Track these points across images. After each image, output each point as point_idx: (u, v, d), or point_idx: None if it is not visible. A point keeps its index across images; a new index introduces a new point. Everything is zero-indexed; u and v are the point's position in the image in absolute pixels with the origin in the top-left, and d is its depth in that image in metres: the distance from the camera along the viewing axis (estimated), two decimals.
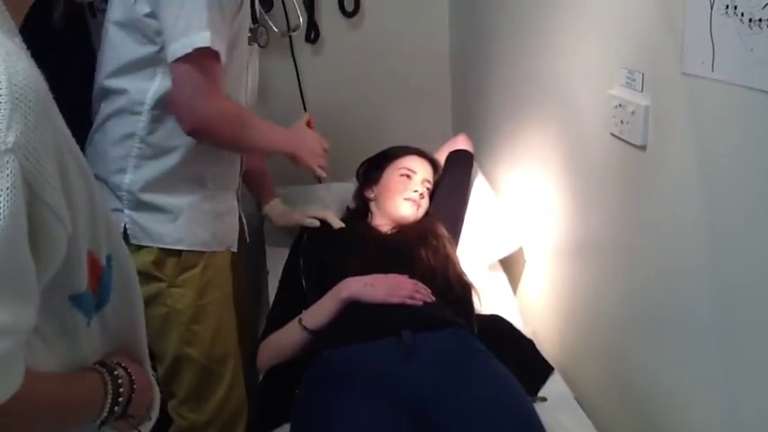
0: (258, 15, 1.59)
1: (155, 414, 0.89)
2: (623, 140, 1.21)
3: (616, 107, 1.20)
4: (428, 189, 1.72)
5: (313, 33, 2.04)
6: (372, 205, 1.73)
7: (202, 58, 1.23)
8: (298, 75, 2.07)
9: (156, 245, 1.38)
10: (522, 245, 1.76)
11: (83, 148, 0.93)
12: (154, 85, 1.32)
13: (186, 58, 1.22)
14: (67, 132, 0.68)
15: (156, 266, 1.38)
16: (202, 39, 1.21)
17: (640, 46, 1.14)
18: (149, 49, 1.31)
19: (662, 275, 1.16)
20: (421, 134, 1.87)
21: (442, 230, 1.65)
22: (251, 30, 1.48)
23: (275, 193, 1.82)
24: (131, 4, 1.29)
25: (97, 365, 0.77)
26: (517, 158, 1.77)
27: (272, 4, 1.93)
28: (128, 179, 1.36)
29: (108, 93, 1.37)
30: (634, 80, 1.16)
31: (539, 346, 1.55)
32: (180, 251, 1.40)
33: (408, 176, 1.70)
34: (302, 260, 1.60)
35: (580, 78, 1.37)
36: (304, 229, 1.71)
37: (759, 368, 0.96)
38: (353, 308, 1.41)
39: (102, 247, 0.75)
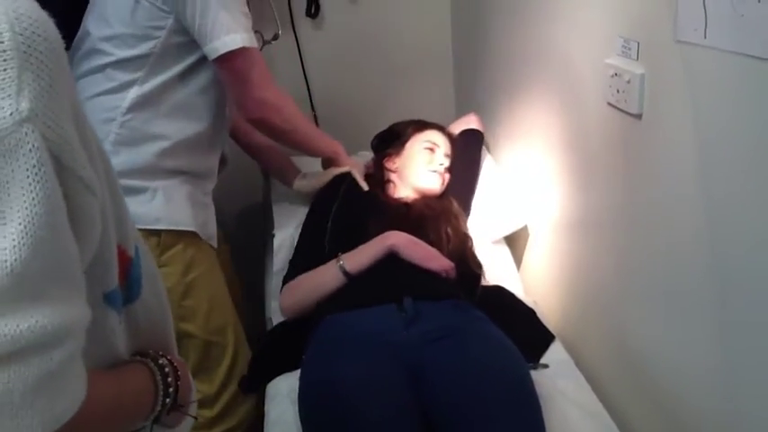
0: None
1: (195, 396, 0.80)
2: (620, 110, 1.21)
3: (612, 76, 1.21)
4: (449, 163, 1.74)
5: (313, 8, 2.04)
6: (394, 176, 1.74)
7: (248, 51, 1.35)
8: (299, 51, 2.08)
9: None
10: (527, 222, 1.77)
11: None
12: (144, 73, 1.35)
13: (233, 54, 1.32)
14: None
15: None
16: (243, 39, 1.32)
17: (635, 14, 1.15)
18: (153, 34, 1.33)
19: (660, 244, 1.18)
20: (423, 111, 1.87)
21: (459, 209, 1.67)
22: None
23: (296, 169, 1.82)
24: None
25: (138, 357, 0.69)
26: (519, 133, 1.78)
27: None
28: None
29: (95, 53, 1.36)
30: (629, 49, 1.16)
31: (540, 316, 1.58)
32: (159, 231, 1.40)
33: (432, 149, 1.71)
34: (331, 214, 1.62)
35: (577, 47, 1.37)
36: (334, 180, 1.71)
37: (755, 331, 0.97)
38: (372, 267, 1.45)
39: (129, 235, 0.66)
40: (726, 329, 1.03)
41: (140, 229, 1.32)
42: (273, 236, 1.75)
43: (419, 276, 1.43)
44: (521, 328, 1.46)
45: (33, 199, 0.46)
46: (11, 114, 0.45)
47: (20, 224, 0.45)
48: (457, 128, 1.87)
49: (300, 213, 1.73)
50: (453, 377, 1.21)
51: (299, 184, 1.77)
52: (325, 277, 1.47)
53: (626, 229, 1.28)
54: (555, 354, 1.48)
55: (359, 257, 1.46)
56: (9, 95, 0.45)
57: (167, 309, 0.76)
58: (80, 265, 0.52)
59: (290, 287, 1.51)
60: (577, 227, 1.50)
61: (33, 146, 0.46)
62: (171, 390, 0.68)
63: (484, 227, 1.75)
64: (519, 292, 1.66)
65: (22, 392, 0.45)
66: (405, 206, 1.66)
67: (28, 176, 0.45)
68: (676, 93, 1.06)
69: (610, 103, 1.24)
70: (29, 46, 0.47)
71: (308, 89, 2.11)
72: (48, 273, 0.47)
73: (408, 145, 1.74)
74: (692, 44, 0.99)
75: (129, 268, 0.65)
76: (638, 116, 1.17)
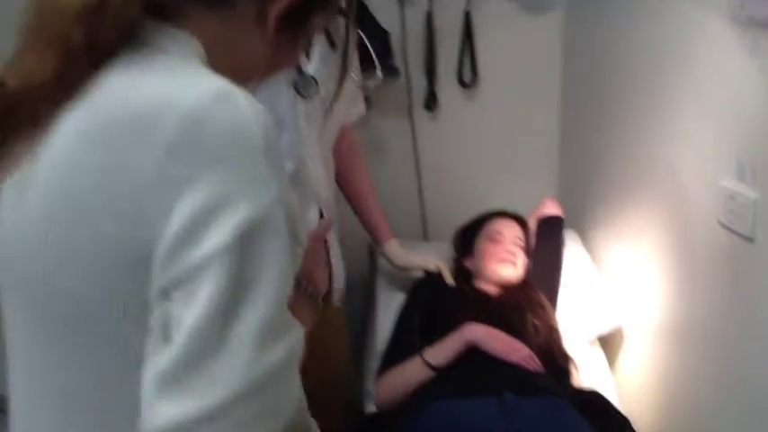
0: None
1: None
2: (731, 230, 1.23)
3: (725, 197, 1.23)
4: (521, 246, 1.78)
5: (431, 101, 2.16)
6: (474, 272, 1.80)
7: None
8: (414, 138, 2.20)
9: None
10: (622, 323, 1.77)
11: None
12: None
13: None
14: None
15: None
16: None
17: (753, 137, 1.17)
18: None
19: (764, 362, 1.16)
20: (526, 204, 1.93)
21: (545, 300, 1.70)
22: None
23: (392, 233, 1.79)
24: None
25: None
26: (621, 235, 1.80)
27: (398, 73, 2.07)
28: None
29: None
30: (745, 172, 1.19)
31: (634, 425, 1.55)
32: None
33: (496, 240, 1.77)
34: (419, 306, 1.68)
35: (690, 164, 1.40)
36: (426, 276, 1.77)
37: None
38: (469, 354, 1.48)
39: None
40: None
41: None
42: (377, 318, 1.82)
43: (514, 369, 1.46)
44: None
45: (283, 261, 0.57)
46: (272, 199, 0.57)
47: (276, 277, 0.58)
48: (534, 216, 1.91)
49: (401, 297, 1.80)
50: None
51: (390, 252, 1.78)
52: (413, 371, 1.52)
53: (729, 344, 1.27)
54: None
55: (441, 352, 1.51)
56: (265, 183, 0.57)
57: None
58: None
59: (382, 382, 1.57)
60: (677, 335, 1.49)
61: (283, 222, 0.58)
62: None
63: (576, 325, 1.76)
64: (613, 398, 1.65)
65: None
66: (489, 299, 1.70)
67: (281, 246, 0.57)
68: None
69: (720, 222, 1.26)
70: (268, 138, 0.58)
71: (419, 175, 2.21)
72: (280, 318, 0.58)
73: (477, 242, 1.81)
74: None
75: None
76: (750, 239, 1.18)
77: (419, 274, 1.80)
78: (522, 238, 1.80)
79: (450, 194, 2.17)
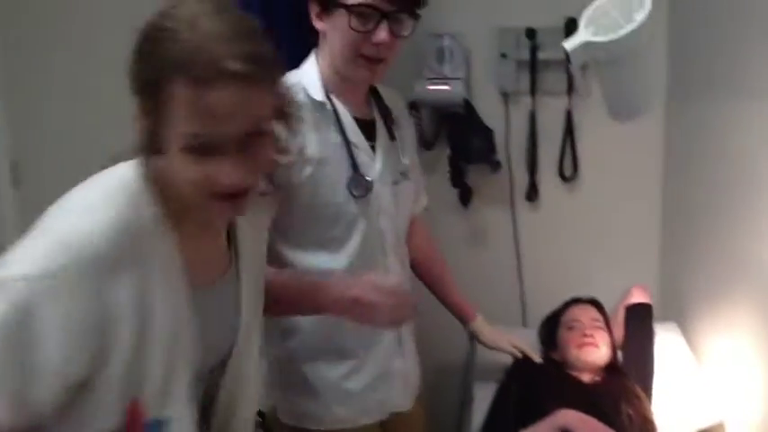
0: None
1: None
2: None
3: None
4: (599, 327, 1.82)
5: (532, 193, 2.27)
6: (563, 363, 1.84)
7: None
8: (515, 227, 2.30)
9: (292, 423, 1.44)
10: (724, 418, 1.75)
11: None
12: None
13: None
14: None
15: None
16: None
17: None
18: None
19: None
20: (624, 291, 1.97)
21: (640, 391, 1.71)
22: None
23: (475, 309, 1.82)
24: None
25: None
26: (723, 328, 1.79)
27: (500, 167, 2.20)
28: (275, 352, 1.44)
29: None
30: None
31: None
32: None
33: (574, 327, 1.83)
34: (514, 392, 1.74)
35: None
36: (520, 361, 1.82)
37: None
38: None
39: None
40: None
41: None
42: (472, 400, 1.88)
43: None
44: None
45: None
46: None
47: None
48: (622, 306, 1.93)
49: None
50: None
51: (478, 330, 1.79)
52: None
53: None
54: None
55: None
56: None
57: None
58: None
59: None
60: None
61: None
62: None
63: (674, 418, 1.74)
64: None
65: None
66: (582, 386, 1.74)
67: None
68: None
69: None
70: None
71: (519, 263, 2.30)
72: None
73: (558, 334, 1.86)
74: None
75: None
76: None
77: (508, 354, 1.84)
78: (600, 318, 1.85)
79: (550, 282, 2.23)
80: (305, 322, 1.42)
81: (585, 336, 1.80)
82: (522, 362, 1.84)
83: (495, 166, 2.19)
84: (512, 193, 2.27)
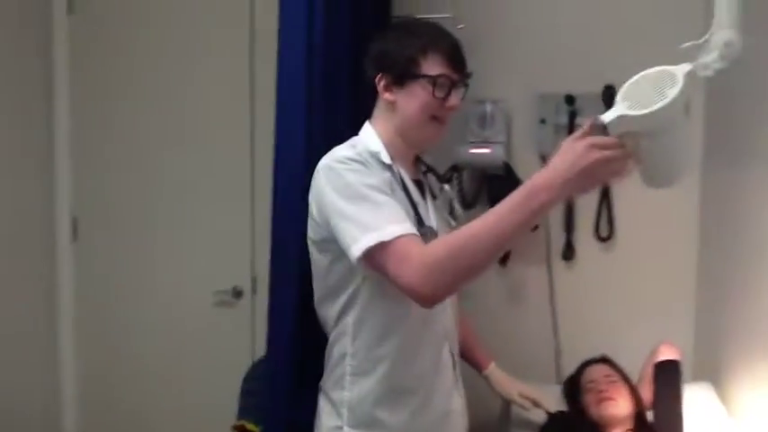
0: None
1: None
2: None
3: None
4: (612, 381, 1.90)
5: (569, 252, 2.34)
6: (594, 426, 1.90)
7: (376, 250, 1.31)
8: (551, 285, 2.36)
9: None
10: None
11: None
12: (341, 305, 1.50)
13: (367, 257, 1.32)
14: None
15: None
16: (367, 241, 1.31)
17: None
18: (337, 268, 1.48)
19: None
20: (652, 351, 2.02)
21: None
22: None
23: (491, 356, 1.89)
24: (314, 226, 1.49)
25: None
26: (757, 386, 1.81)
27: (537, 226, 2.28)
28: (347, 395, 1.52)
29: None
30: None
31: None
32: None
33: (591, 388, 1.91)
34: None
35: None
36: (554, 417, 1.89)
37: None
38: None
39: None
40: None
41: None
42: None
43: None
44: None
45: None
46: None
47: None
48: (649, 364, 1.97)
49: None
50: None
51: (491, 376, 1.86)
52: None
53: None
54: None
55: None
56: None
57: None
58: None
59: None
60: None
61: None
62: None
63: None
64: None
65: None
66: None
67: None
68: None
69: None
70: None
71: (555, 321, 2.35)
72: None
73: (581, 400, 1.94)
74: None
75: None
76: None
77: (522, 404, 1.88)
78: (613, 374, 1.93)
79: (584, 340, 2.28)
80: (370, 366, 1.50)
81: (601, 392, 1.88)
82: (557, 417, 1.89)
83: (534, 226, 2.27)
84: (548, 253, 2.35)
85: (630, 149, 1.18)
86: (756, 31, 1.24)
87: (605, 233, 2.31)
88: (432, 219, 1.56)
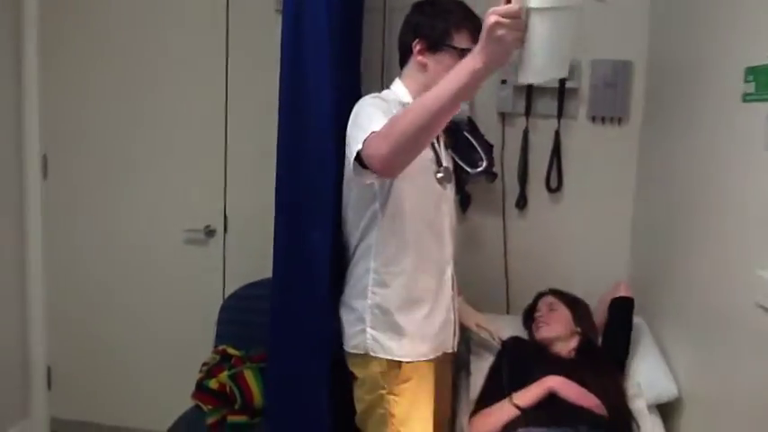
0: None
1: None
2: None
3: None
4: (552, 309, 2.21)
5: (522, 201, 2.61)
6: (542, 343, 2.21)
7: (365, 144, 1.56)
8: (504, 230, 2.63)
9: (386, 356, 1.80)
10: (678, 393, 2.06)
11: None
12: (364, 225, 1.82)
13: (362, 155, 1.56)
14: None
15: (382, 376, 1.79)
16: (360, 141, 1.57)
17: None
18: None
19: None
20: (599, 286, 2.35)
21: (612, 365, 2.07)
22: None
23: (460, 290, 2.12)
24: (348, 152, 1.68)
25: None
26: (679, 320, 2.13)
27: (496, 176, 2.54)
28: (369, 302, 1.81)
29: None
30: None
31: None
32: (400, 363, 1.79)
33: (536, 317, 2.24)
34: (507, 362, 2.09)
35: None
36: (512, 340, 2.20)
37: None
38: (548, 399, 1.87)
39: None
40: None
41: (389, 360, 1.82)
42: (470, 374, 2.22)
43: (586, 412, 1.84)
44: None
45: None
46: None
47: None
48: (607, 298, 2.30)
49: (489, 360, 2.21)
50: None
51: (461, 310, 2.13)
52: (503, 411, 1.92)
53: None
54: None
55: (527, 396, 1.92)
56: None
57: None
58: None
59: (475, 421, 1.97)
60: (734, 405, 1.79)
61: None
62: None
63: (639, 391, 2.07)
64: None
65: None
66: (563, 359, 2.09)
67: None
68: None
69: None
70: None
71: (506, 260, 2.64)
72: None
73: (531, 324, 2.27)
74: None
75: None
76: None
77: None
78: (556, 301, 2.24)
79: (532, 277, 2.56)
80: (390, 278, 1.81)
81: (539, 318, 2.21)
82: (512, 342, 2.17)
83: (493, 176, 2.53)
84: (503, 202, 2.62)
85: (525, 22, 1.30)
86: None
87: (555, 185, 2.59)
88: (446, 161, 1.89)
